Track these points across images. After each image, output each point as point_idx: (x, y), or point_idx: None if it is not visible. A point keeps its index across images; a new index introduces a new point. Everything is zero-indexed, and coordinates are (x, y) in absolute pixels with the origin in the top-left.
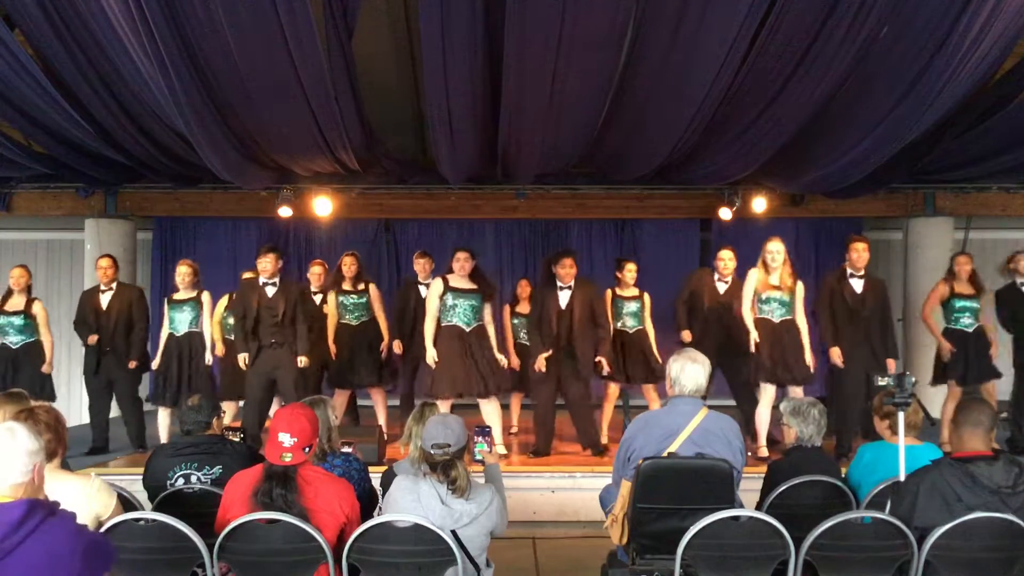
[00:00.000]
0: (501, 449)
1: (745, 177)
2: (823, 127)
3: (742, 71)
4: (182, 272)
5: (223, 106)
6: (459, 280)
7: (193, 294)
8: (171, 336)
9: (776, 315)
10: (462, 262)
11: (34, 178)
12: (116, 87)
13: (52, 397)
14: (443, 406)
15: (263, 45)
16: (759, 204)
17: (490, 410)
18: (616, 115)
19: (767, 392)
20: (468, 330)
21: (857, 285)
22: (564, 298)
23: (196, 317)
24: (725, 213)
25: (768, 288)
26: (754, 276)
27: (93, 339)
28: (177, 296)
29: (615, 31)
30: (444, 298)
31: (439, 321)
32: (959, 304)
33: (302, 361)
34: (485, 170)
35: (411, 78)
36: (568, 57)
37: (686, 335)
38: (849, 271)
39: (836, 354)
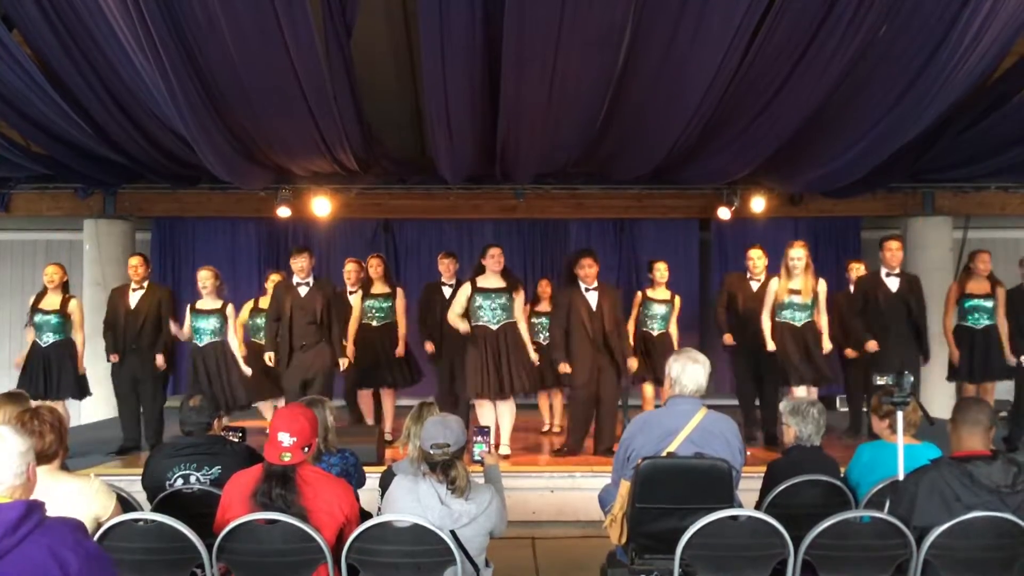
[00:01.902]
0: (505, 450)
1: (744, 177)
2: (822, 126)
3: (741, 69)
4: (203, 277)
5: (221, 106)
6: (487, 279)
7: (218, 305)
8: (193, 346)
9: (798, 320)
10: (496, 257)
11: (33, 178)
12: (114, 87)
13: (82, 395)
14: (485, 408)
15: (262, 45)
16: (758, 204)
17: (504, 410)
18: (615, 114)
19: (800, 395)
20: (495, 328)
21: (892, 284)
22: (593, 299)
23: (221, 328)
24: (724, 213)
25: (788, 293)
26: (775, 284)
27: (115, 358)
28: (201, 305)
29: (614, 30)
30: (472, 300)
31: (470, 322)
32: (969, 304)
33: (343, 363)
34: (484, 170)
35: (410, 77)
36: (567, 56)
37: (728, 338)
38: (884, 271)
39: (872, 345)
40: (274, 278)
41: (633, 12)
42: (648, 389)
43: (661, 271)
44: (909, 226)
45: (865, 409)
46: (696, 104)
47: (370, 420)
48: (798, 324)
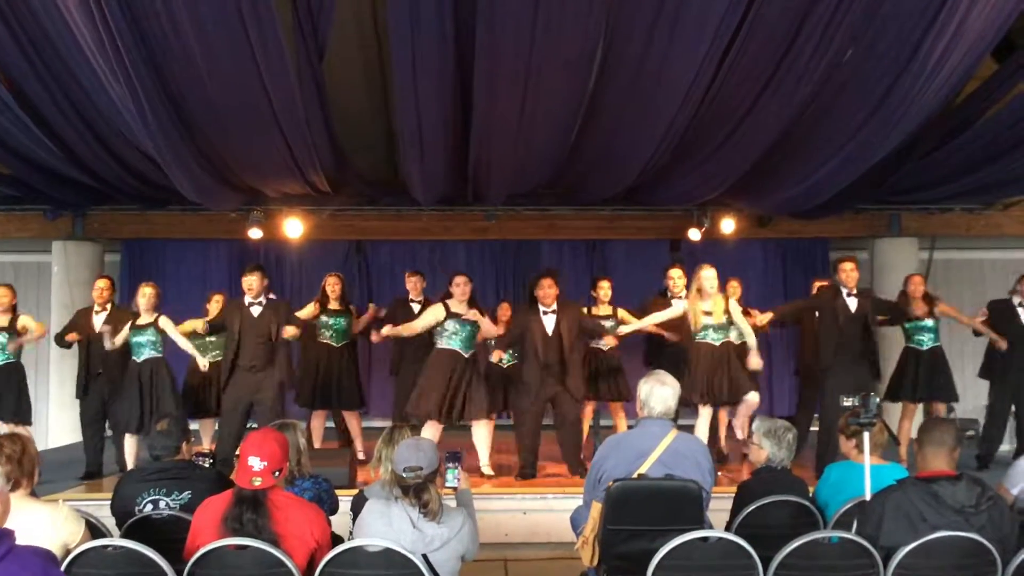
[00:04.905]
0: (488, 470)
1: (714, 198)
2: (790, 148)
3: (710, 93)
4: (148, 294)
5: (193, 128)
6: (460, 306)
7: (152, 319)
8: (132, 362)
9: (716, 339)
10: (462, 287)
11: (0, 200)
12: (85, 108)
13: (27, 420)
14: (431, 429)
15: (234, 67)
16: (727, 225)
17: (482, 432)
18: (586, 136)
19: (703, 414)
20: (466, 356)
21: (852, 304)
22: (549, 323)
23: (157, 342)
24: (694, 234)
25: (703, 315)
26: (681, 305)
27: (72, 336)
28: (139, 321)
29: (584, 54)
30: (445, 324)
31: (435, 343)
32: (911, 326)
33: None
34: (456, 191)
35: (381, 96)
36: (538, 79)
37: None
38: (844, 290)
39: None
40: (217, 299)
41: (604, 36)
42: (620, 410)
43: (604, 289)
44: (876, 247)
45: (815, 428)
46: (666, 126)
47: (317, 444)
48: (716, 345)
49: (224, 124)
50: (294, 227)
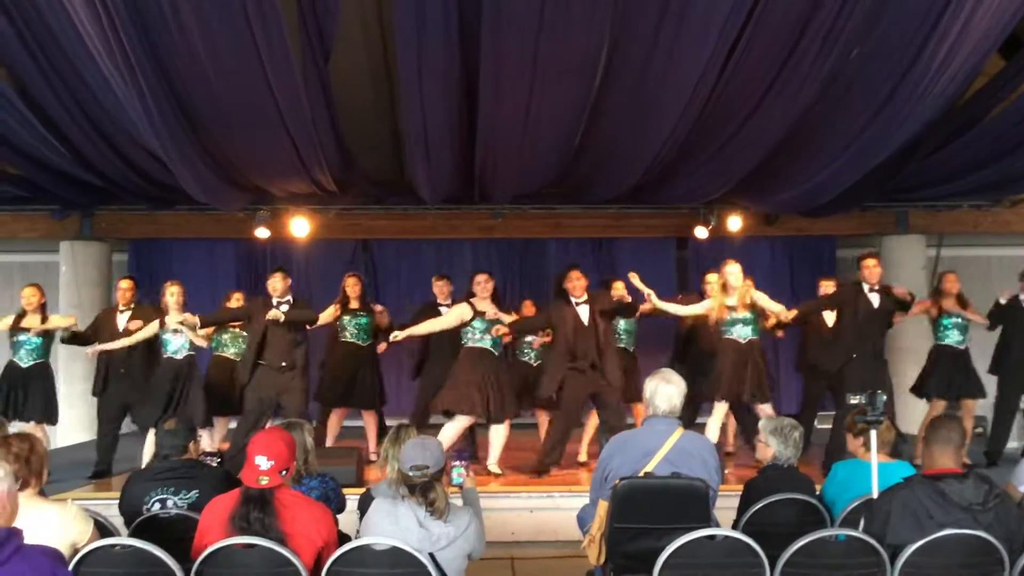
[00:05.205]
0: (495, 469)
1: (720, 196)
2: (795, 147)
3: (715, 92)
4: (176, 292)
5: (198, 126)
6: (484, 304)
7: (183, 317)
8: (169, 359)
9: (742, 336)
10: (483, 284)
11: (8, 200)
12: (91, 109)
13: (52, 421)
14: (462, 423)
15: (240, 69)
16: (734, 223)
17: (500, 431)
18: (591, 137)
19: (719, 409)
20: (497, 354)
21: (874, 299)
22: (584, 313)
23: (191, 339)
24: (701, 232)
25: (728, 310)
26: (708, 304)
27: (92, 352)
28: (169, 320)
29: (589, 56)
30: (473, 323)
31: (464, 342)
32: (946, 322)
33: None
34: (462, 190)
35: (387, 96)
36: (543, 80)
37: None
38: (866, 286)
39: None
40: (237, 297)
41: (609, 37)
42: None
43: (619, 290)
44: (883, 244)
45: (822, 427)
46: (671, 127)
47: (330, 442)
48: (742, 342)
49: (229, 123)
50: (301, 226)
